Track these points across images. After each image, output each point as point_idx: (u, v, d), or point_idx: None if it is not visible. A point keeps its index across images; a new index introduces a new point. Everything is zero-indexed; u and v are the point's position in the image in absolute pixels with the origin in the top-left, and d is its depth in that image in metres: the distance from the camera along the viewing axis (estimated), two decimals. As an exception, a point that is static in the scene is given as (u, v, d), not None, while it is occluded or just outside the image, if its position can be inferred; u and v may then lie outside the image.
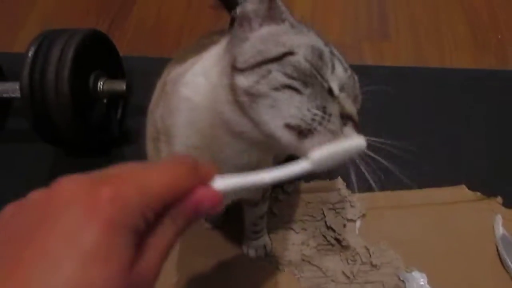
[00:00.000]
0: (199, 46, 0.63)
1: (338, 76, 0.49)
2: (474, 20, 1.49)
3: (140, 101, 1.24)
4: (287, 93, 0.45)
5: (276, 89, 0.45)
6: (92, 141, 1.10)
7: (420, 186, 1.06)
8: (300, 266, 0.94)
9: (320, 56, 0.49)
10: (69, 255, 0.26)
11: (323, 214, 1.00)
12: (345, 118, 0.46)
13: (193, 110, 0.54)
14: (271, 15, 0.51)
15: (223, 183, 0.35)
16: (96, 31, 1.12)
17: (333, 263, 0.94)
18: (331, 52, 0.51)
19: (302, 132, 0.44)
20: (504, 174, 1.09)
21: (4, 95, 1.09)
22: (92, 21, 1.50)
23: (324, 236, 0.97)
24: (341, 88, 0.49)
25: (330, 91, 0.48)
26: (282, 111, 0.45)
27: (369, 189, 1.04)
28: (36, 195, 0.31)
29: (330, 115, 0.45)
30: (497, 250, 0.96)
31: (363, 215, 1.01)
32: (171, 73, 0.63)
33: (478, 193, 1.05)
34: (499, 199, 1.03)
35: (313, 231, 0.99)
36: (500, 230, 0.97)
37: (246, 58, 0.48)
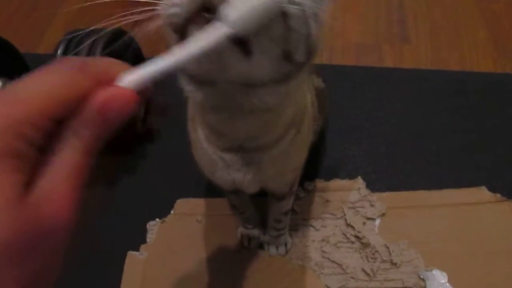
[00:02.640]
0: None
1: None
2: (494, 25, 1.49)
3: (162, 101, 1.26)
4: None
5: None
6: (115, 138, 1.12)
7: (440, 187, 1.06)
8: (320, 263, 0.95)
9: None
10: None
11: (343, 212, 1.01)
12: None
13: None
14: None
15: (131, 77, 0.30)
16: (123, 30, 1.14)
17: (353, 260, 0.95)
18: None
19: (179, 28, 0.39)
20: (525, 176, 1.08)
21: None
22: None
23: (344, 234, 0.98)
24: None
25: None
26: None
27: (389, 188, 1.06)
28: None
29: None
30: (518, 251, 0.96)
31: (383, 214, 1.01)
32: None
33: (499, 195, 1.05)
34: (520, 201, 1.03)
35: (333, 228, 0.99)
36: (521, 231, 0.97)
37: None
